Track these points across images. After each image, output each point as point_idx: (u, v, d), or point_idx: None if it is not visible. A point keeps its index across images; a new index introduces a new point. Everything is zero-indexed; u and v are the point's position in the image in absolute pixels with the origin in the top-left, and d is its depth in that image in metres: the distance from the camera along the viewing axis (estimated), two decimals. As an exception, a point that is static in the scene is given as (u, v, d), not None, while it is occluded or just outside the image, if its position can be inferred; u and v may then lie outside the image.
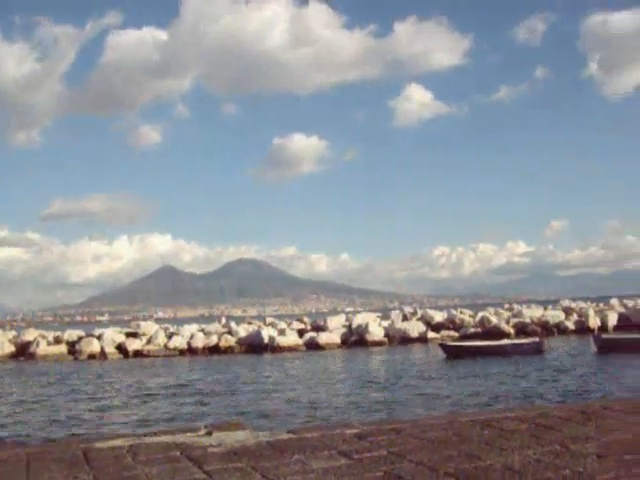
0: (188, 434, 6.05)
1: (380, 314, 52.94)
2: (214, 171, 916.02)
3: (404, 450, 5.09)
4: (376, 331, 43.85)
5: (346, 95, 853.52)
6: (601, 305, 56.86)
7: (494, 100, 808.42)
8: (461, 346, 35.42)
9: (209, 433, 6.01)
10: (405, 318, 48.94)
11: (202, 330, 46.22)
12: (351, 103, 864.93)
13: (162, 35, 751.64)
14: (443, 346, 35.00)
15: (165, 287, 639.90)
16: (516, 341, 36.49)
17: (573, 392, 19.98)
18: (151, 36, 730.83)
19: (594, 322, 46.32)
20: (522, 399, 18.88)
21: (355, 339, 43.39)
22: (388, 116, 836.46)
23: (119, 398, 23.41)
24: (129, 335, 44.81)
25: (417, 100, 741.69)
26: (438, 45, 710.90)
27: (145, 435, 6.24)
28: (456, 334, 44.94)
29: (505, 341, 36.61)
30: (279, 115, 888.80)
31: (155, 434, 6.23)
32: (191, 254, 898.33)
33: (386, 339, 43.69)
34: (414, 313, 50.89)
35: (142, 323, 48.65)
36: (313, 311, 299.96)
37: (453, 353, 33.61)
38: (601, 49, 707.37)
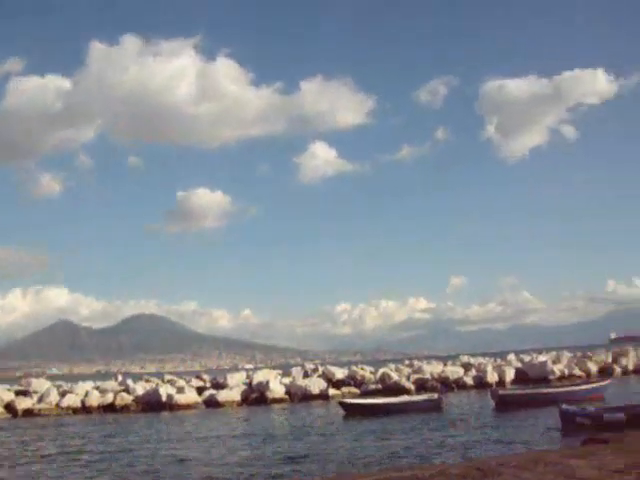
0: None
1: (281, 371, 52.46)
2: (115, 223, 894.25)
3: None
4: (277, 388, 43.35)
5: (251, 151, 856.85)
6: (499, 360, 58.11)
7: (397, 159, 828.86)
8: (359, 404, 35.30)
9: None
10: (306, 375, 48.65)
11: (97, 388, 44.73)
12: (256, 159, 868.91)
13: (66, 83, 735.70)
14: (342, 404, 34.85)
15: (61, 342, 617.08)
16: (414, 398, 36.55)
17: (470, 448, 20.08)
18: (54, 84, 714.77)
19: (492, 377, 47.14)
20: (420, 457, 18.84)
21: (256, 396, 42.67)
22: (293, 172, 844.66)
23: None
24: (19, 393, 42.92)
25: (322, 157, 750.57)
26: (343, 104, 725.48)
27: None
28: (357, 391, 44.85)
29: (403, 398, 36.60)
30: (184, 168, 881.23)
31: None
32: (89, 308, 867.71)
33: (287, 396, 43.10)
34: (315, 370, 50.63)
35: (33, 380, 46.70)
36: (214, 367, 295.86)
37: (351, 411, 33.45)
38: (498, 113, 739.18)
